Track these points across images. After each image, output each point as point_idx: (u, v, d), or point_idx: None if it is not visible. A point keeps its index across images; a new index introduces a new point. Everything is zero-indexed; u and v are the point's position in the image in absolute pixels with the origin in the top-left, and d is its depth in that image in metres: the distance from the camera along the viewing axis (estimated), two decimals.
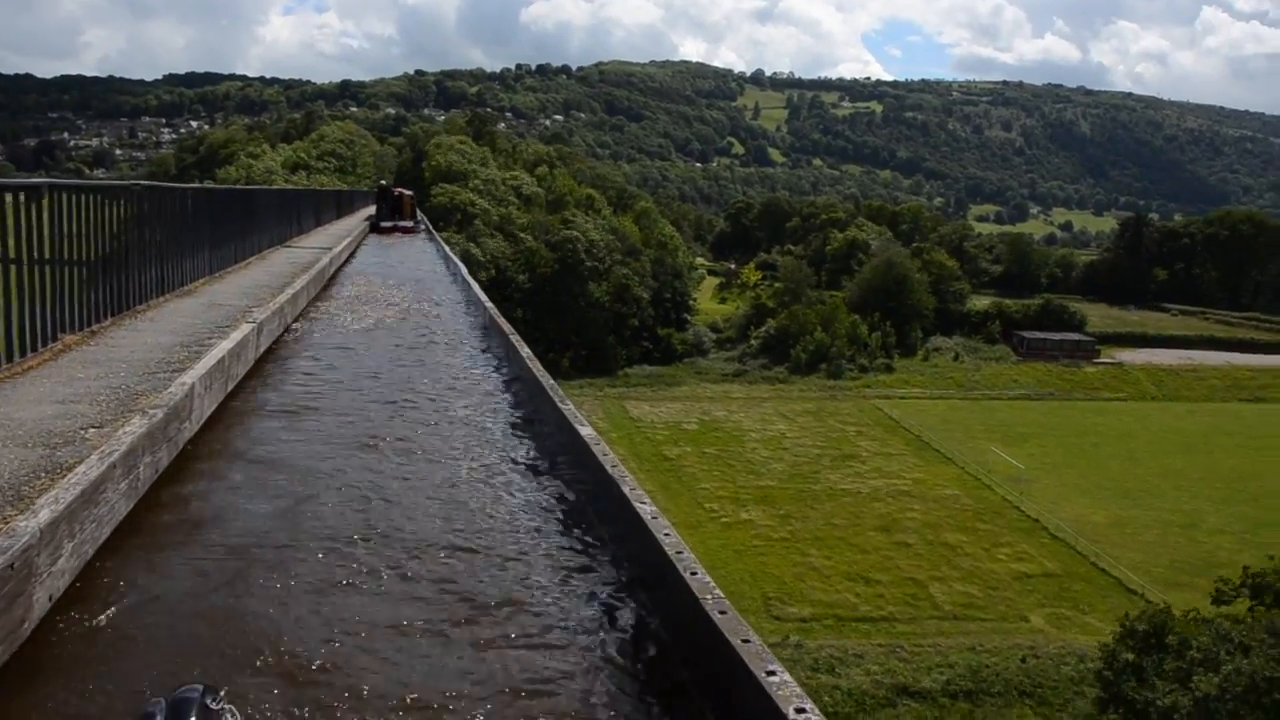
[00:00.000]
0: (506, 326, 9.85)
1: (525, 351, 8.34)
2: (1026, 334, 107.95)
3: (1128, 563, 54.53)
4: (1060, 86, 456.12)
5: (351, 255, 25.31)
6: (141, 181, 10.64)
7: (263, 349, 9.68)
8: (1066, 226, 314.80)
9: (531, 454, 6.77)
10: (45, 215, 7.21)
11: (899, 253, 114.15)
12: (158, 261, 10.52)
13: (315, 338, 11.66)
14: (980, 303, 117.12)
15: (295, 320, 12.40)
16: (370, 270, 22.11)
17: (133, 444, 4.99)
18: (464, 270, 19.56)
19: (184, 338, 8.26)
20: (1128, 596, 50.98)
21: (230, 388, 7.87)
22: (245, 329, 8.87)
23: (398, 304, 15.78)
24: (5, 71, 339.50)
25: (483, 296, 13.57)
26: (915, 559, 55.02)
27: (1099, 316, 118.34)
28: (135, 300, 9.61)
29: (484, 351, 10.90)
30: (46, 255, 7.26)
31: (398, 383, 9.20)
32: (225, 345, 7.89)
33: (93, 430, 5.21)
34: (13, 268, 6.75)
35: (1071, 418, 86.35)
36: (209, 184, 53.80)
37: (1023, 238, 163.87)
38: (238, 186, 35.31)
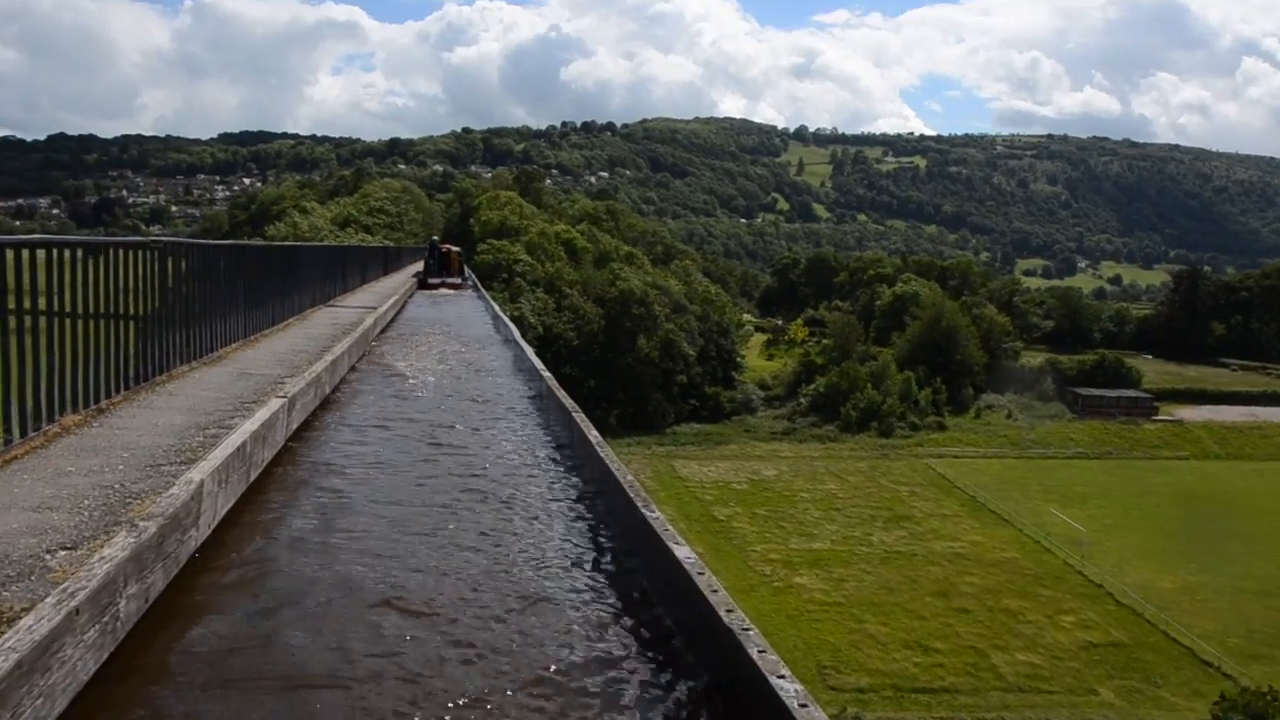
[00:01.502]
0: (570, 403, 8.69)
1: (594, 436, 7.11)
2: (1082, 391, 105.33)
3: (1200, 631, 52.03)
4: (1105, 140, 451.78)
5: (398, 314, 24.47)
6: (164, 237, 9.70)
7: (294, 427, 8.60)
8: (1116, 280, 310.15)
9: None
10: (41, 276, 6.23)
11: (949, 307, 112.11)
12: (183, 325, 9.53)
13: (353, 411, 10.60)
14: (1034, 359, 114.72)
15: (334, 390, 11.35)
16: (417, 330, 21.23)
17: (109, 575, 3.86)
18: (515, 332, 18.56)
19: (203, 417, 7.19)
20: (1203, 669, 48.64)
21: (253, 477, 6.77)
22: (274, 405, 7.79)
23: (442, 368, 14.84)
24: (70, 133, 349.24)
25: (538, 364, 12.50)
26: (975, 626, 53.02)
27: (1155, 372, 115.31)
28: (154, 370, 8.58)
29: (542, 428, 9.76)
30: (41, 308, 6.25)
31: (444, 474, 8.04)
32: (248, 427, 6.79)
33: (63, 553, 4.09)
34: (10, 334, 5.76)
35: (1131, 477, 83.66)
36: (258, 240, 53.83)
37: (1073, 291, 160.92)
38: (278, 243, 34.91)
